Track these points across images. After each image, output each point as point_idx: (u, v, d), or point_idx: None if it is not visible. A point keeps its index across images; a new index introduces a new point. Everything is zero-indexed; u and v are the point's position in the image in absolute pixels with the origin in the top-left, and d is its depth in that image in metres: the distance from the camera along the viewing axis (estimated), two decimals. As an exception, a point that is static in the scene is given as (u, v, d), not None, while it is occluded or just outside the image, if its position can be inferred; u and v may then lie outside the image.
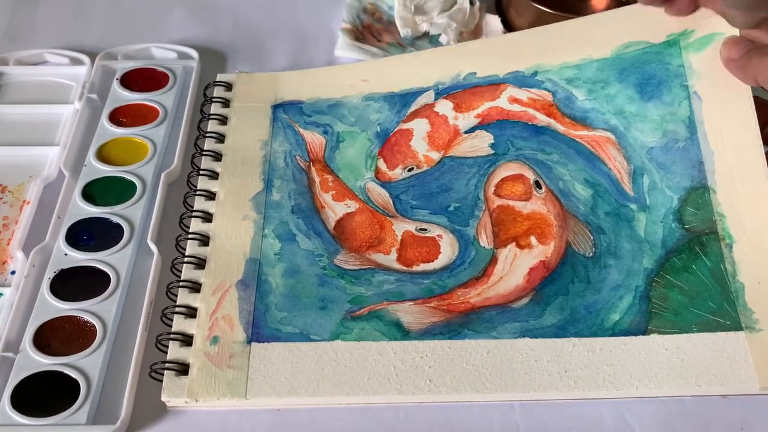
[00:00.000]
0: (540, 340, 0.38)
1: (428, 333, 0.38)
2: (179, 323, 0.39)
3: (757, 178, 0.39)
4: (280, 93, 0.50)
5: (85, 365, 0.37)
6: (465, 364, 0.37)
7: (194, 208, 0.44)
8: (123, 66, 0.53)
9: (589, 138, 0.45)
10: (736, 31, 0.40)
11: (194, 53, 0.55)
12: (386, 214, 0.44)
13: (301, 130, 0.48)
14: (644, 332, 0.38)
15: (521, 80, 0.47)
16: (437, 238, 0.43)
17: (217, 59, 0.56)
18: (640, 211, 0.42)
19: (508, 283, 0.41)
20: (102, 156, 0.47)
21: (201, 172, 0.46)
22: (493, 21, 0.56)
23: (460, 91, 0.48)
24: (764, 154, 0.39)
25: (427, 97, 0.49)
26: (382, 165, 0.47)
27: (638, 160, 0.43)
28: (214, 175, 0.46)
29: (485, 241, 0.43)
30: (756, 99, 0.40)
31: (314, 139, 0.48)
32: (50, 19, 0.59)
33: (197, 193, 0.45)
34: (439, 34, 0.55)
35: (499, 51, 0.49)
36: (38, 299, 0.40)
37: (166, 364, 0.37)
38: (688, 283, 0.39)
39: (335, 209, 0.45)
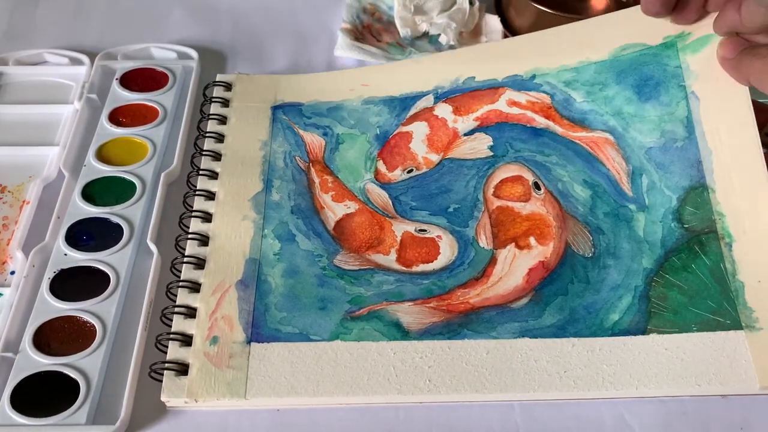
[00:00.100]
0: (539, 340, 0.38)
1: (428, 333, 0.38)
2: (179, 323, 0.39)
3: (756, 177, 0.39)
4: (280, 95, 0.50)
5: (84, 365, 0.37)
6: (464, 364, 0.37)
7: (194, 208, 0.44)
8: (123, 66, 0.53)
9: (587, 139, 0.45)
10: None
11: (194, 53, 0.55)
12: (386, 215, 0.44)
13: (301, 132, 0.48)
14: (644, 332, 0.38)
15: (520, 84, 0.47)
16: (437, 239, 0.43)
17: (217, 59, 0.56)
18: (639, 211, 0.42)
19: (508, 283, 0.41)
20: (102, 156, 0.47)
21: (201, 172, 0.46)
22: (493, 21, 0.56)
23: (459, 95, 0.48)
24: (763, 154, 0.39)
25: (427, 101, 0.49)
26: (381, 166, 0.47)
27: (637, 160, 0.43)
28: (213, 175, 0.46)
29: (484, 241, 0.43)
30: (753, 102, 0.40)
31: (314, 140, 0.48)
32: (50, 19, 0.59)
33: (197, 193, 0.45)
34: (439, 34, 0.55)
35: (498, 55, 0.49)
36: (38, 299, 0.40)
37: (166, 364, 0.37)
38: (688, 282, 0.39)
39: (335, 210, 0.45)
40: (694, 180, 0.41)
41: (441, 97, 0.49)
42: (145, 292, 0.41)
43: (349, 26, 0.56)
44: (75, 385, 0.37)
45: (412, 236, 0.43)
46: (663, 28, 0.43)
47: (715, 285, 0.38)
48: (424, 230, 0.43)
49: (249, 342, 0.38)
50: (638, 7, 0.42)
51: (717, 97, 0.41)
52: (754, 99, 0.40)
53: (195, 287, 0.40)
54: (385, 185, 0.46)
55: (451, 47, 0.55)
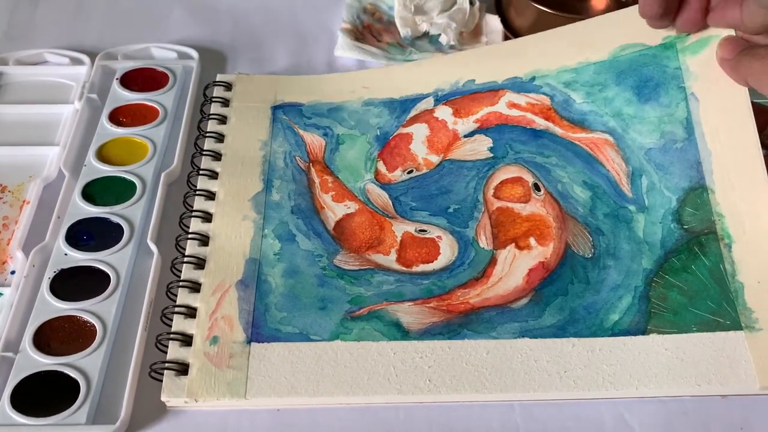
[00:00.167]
0: (539, 341, 0.38)
1: (428, 333, 0.39)
2: (179, 323, 0.39)
3: (755, 178, 0.39)
4: (280, 95, 0.50)
5: (85, 365, 0.37)
6: (464, 364, 0.37)
7: (194, 208, 0.44)
8: (123, 66, 0.53)
9: (587, 140, 0.45)
10: (731, 32, 0.40)
11: (194, 53, 0.55)
12: (386, 215, 0.45)
13: (301, 132, 0.48)
14: (644, 332, 0.38)
15: (519, 86, 0.47)
16: (437, 239, 0.43)
17: (217, 59, 0.56)
18: (639, 212, 0.42)
19: (508, 283, 0.41)
20: (102, 156, 0.47)
21: (201, 172, 0.46)
22: (493, 21, 0.56)
23: (459, 98, 0.48)
24: (762, 155, 0.39)
25: (427, 103, 0.49)
26: (381, 167, 0.47)
27: (636, 161, 0.43)
28: (213, 175, 0.46)
29: (485, 242, 0.43)
30: (752, 104, 0.40)
31: (314, 140, 0.48)
32: (50, 19, 0.59)
33: (197, 193, 0.45)
34: (439, 34, 0.55)
35: (498, 58, 0.49)
36: (38, 299, 0.40)
37: (166, 364, 0.37)
38: (688, 283, 0.39)
39: (335, 210, 0.45)
40: (693, 181, 0.41)
41: (441, 99, 0.49)
42: (145, 292, 0.41)
43: (349, 26, 0.56)
44: (75, 384, 0.37)
45: (412, 236, 0.43)
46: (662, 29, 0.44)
47: (714, 285, 0.39)
48: (425, 230, 0.43)
49: (249, 342, 0.38)
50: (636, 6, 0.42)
51: (716, 98, 0.42)
52: (753, 101, 0.40)
53: (195, 287, 0.40)
54: (385, 186, 0.46)
55: (452, 47, 0.55)
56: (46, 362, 0.37)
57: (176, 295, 0.40)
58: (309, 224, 0.44)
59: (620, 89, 0.45)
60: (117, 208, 0.44)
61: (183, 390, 0.36)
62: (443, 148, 0.47)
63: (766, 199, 0.39)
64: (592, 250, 0.41)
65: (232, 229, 0.43)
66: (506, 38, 0.56)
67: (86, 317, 0.39)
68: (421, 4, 0.56)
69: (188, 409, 0.37)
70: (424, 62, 0.52)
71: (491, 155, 0.46)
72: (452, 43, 0.54)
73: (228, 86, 0.51)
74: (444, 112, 0.48)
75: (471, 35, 0.56)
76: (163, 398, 0.37)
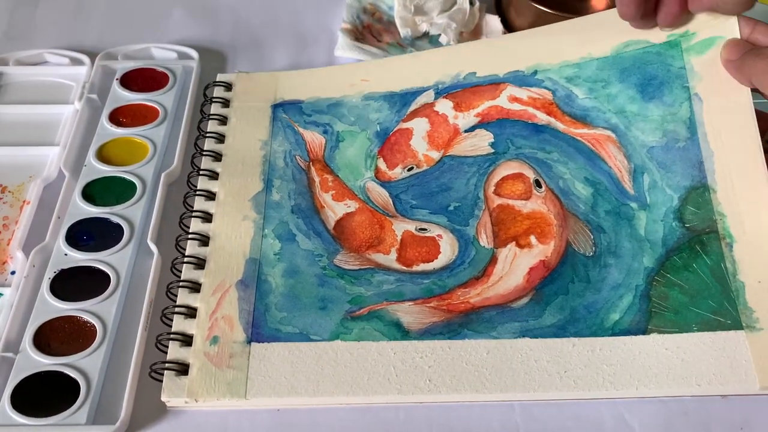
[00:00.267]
0: (540, 340, 0.38)
1: (428, 333, 0.38)
2: (179, 323, 0.39)
3: (756, 178, 0.39)
4: (280, 92, 0.50)
5: (85, 365, 0.37)
6: (465, 364, 0.37)
7: (194, 208, 0.44)
8: (123, 66, 0.53)
9: (589, 136, 0.45)
10: (737, 34, 0.40)
11: (194, 53, 0.55)
12: (386, 213, 0.44)
13: (301, 130, 0.48)
14: (644, 332, 0.38)
15: (521, 79, 0.47)
16: (437, 238, 0.43)
17: (217, 59, 0.56)
18: (641, 210, 0.42)
19: (508, 282, 0.41)
20: (102, 156, 0.47)
21: (201, 172, 0.46)
22: (493, 21, 0.56)
23: (459, 91, 0.48)
24: (763, 156, 0.39)
25: (427, 97, 0.49)
26: (381, 164, 0.47)
27: (639, 158, 0.43)
28: (214, 175, 0.46)
29: (485, 240, 0.43)
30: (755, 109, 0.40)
31: (314, 138, 0.48)
32: (50, 19, 0.59)
33: (197, 193, 0.45)
34: (439, 34, 0.55)
35: (499, 51, 0.49)
36: (38, 299, 0.40)
37: (166, 364, 0.37)
38: (689, 282, 0.39)
39: (335, 209, 0.45)
40: (695, 180, 0.41)
41: (442, 92, 0.49)
42: (145, 292, 0.41)
43: (349, 26, 0.56)
44: (75, 385, 0.37)
45: (413, 235, 0.43)
46: None
47: (715, 285, 0.38)
48: (425, 229, 0.43)
49: (249, 342, 0.38)
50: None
51: (720, 99, 0.41)
52: (756, 108, 0.40)
53: (195, 287, 0.40)
54: (385, 183, 0.46)
55: (452, 47, 0.55)
56: (46, 362, 0.37)
57: (176, 295, 0.40)
58: (309, 224, 0.44)
59: (624, 86, 0.45)
60: (117, 209, 0.44)
61: (183, 390, 0.36)
62: (444, 143, 0.47)
63: (767, 200, 0.39)
64: (593, 249, 0.41)
65: (232, 229, 0.43)
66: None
67: (86, 317, 0.39)
68: (421, 4, 0.56)
69: (188, 409, 0.37)
70: (424, 54, 0.51)
71: (492, 150, 0.46)
72: (452, 43, 0.54)
73: (228, 86, 0.51)
74: (444, 106, 0.48)
75: (471, 35, 0.56)
76: (164, 398, 0.37)
